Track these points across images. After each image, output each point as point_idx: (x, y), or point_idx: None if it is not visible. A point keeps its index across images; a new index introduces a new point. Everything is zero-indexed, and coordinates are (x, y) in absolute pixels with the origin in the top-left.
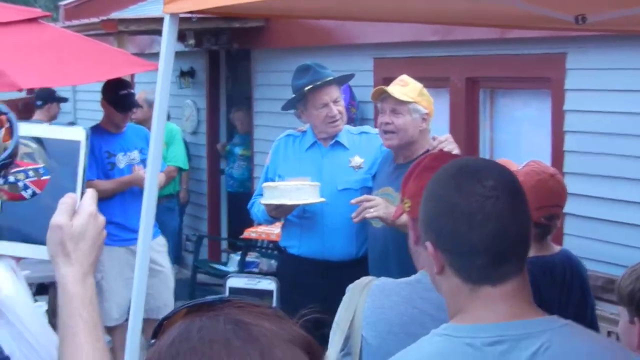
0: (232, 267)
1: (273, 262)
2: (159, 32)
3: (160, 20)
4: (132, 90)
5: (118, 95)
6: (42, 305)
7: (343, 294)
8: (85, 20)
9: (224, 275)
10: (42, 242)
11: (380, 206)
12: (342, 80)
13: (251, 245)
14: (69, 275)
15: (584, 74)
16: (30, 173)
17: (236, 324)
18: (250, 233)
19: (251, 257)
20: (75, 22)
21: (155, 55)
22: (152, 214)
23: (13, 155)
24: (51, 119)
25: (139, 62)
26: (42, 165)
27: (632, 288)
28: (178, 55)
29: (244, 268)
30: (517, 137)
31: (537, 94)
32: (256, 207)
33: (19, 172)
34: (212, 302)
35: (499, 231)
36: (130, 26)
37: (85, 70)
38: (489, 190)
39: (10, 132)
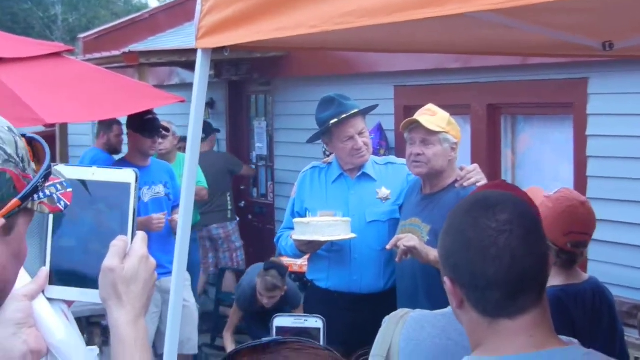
0: None
1: None
2: (178, 64)
3: (180, 52)
4: (157, 116)
5: (143, 121)
6: (95, 349)
7: (370, 326)
8: (106, 53)
9: None
10: (94, 286)
11: (415, 239)
12: (367, 112)
13: None
14: (121, 318)
15: (606, 99)
16: (59, 186)
17: None
18: None
19: None
20: (97, 55)
21: (175, 87)
22: (186, 248)
23: (49, 168)
24: (212, 148)
25: (163, 96)
26: (63, 179)
27: None
28: None
29: None
30: (540, 163)
31: (559, 120)
32: (284, 240)
33: (50, 185)
34: (268, 344)
35: (513, 265)
36: (151, 58)
37: (111, 104)
38: (502, 224)
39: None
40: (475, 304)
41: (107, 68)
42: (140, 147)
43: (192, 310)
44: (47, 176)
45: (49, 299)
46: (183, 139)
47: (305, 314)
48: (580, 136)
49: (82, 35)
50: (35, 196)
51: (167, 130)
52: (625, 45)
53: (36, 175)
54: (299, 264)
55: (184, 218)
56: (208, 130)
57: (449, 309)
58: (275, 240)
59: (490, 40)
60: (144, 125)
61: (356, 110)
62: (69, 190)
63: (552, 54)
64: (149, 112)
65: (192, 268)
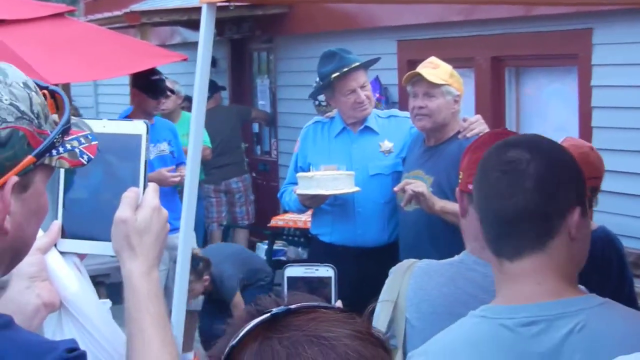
0: (260, 255)
1: (300, 249)
2: (180, 23)
3: (182, 11)
4: (163, 77)
5: (150, 81)
6: (107, 302)
7: (375, 279)
8: (108, 14)
9: None
10: (105, 239)
11: (423, 185)
12: (368, 65)
13: (278, 233)
14: (134, 269)
15: (611, 49)
16: (82, 140)
17: (319, 343)
18: (277, 221)
19: (278, 245)
20: (98, 15)
21: (176, 46)
22: (194, 204)
23: (69, 122)
24: (217, 105)
25: (166, 54)
26: (88, 132)
27: None
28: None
29: (272, 256)
30: (544, 115)
31: (564, 71)
32: (287, 195)
33: (72, 139)
34: (277, 315)
35: (502, 203)
36: (153, 18)
37: (114, 63)
38: (505, 163)
39: (56, 104)
40: (486, 241)
41: (108, 28)
42: (144, 106)
43: None
44: (65, 131)
45: (61, 252)
46: (187, 98)
47: (316, 263)
48: (585, 87)
49: None
50: (54, 151)
51: (172, 91)
52: None
53: (54, 129)
54: (303, 219)
55: (191, 176)
56: (213, 88)
57: (456, 258)
58: (278, 195)
59: None
60: (150, 85)
61: (358, 64)
62: (94, 143)
63: (560, 2)
64: (156, 72)
65: (197, 225)
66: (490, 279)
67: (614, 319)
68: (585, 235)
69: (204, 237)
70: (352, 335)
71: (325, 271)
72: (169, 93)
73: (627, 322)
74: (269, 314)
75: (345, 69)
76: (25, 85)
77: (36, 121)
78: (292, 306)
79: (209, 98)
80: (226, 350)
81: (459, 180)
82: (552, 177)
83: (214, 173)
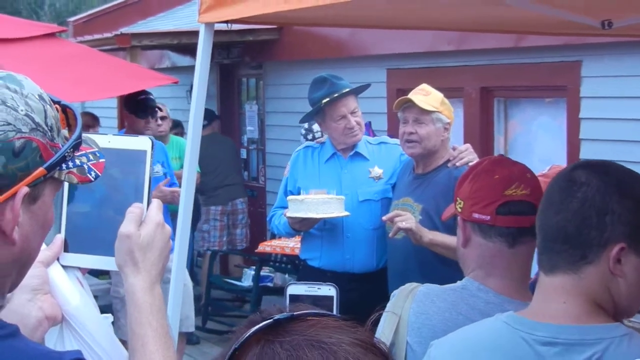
0: (247, 282)
1: (287, 276)
2: (171, 47)
3: (172, 35)
4: (151, 96)
5: (137, 101)
6: (109, 317)
7: (363, 305)
8: (98, 35)
9: (239, 291)
10: (108, 254)
11: (412, 220)
12: (359, 91)
13: (265, 259)
14: (137, 284)
15: (599, 82)
16: (90, 156)
17: (320, 347)
18: (264, 247)
19: (265, 271)
20: (88, 37)
21: (165, 70)
22: (187, 228)
23: (80, 138)
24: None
25: (156, 76)
26: (96, 149)
27: None
28: (189, 69)
29: (259, 283)
30: (532, 146)
31: (553, 103)
32: (277, 219)
33: (81, 155)
34: (280, 321)
35: (552, 219)
36: (143, 41)
37: (103, 85)
38: (569, 183)
39: (67, 119)
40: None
41: (98, 50)
42: (135, 127)
43: (189, 289)
44: (76, 146)
45: (64, 266)
46: (175, 123)
47: (318, 282)
48: (573, 119)
49: (72, 19)
50: (64, 165)
51: (159, 109)
52: (625, 24)
53: (65, 144)
54: (291, 246)
55: (185, 198)
56: (210, 116)
57: (458, 284)
58: (267, 219)
59: (487, 18)
60: (137, 105)
61: (348, 89)
62: (102, 160)
63: (551, 32)
64: (143, 92)
65: None
66: (492, 305)
67: (633, 353)
68: (635, 277)
69: (191, 262)
70: (354, 343)
71: (328, 290)
72: (159, 113)
73: None
74: (272, 320)
75: (336, 95)
76: (41, 97)
77: (49, 134)
78: (296, 313)
79: (206, 126)
80: (229, 352)
81: (459, 209)
82: (599, 204)
83: (219, 194)
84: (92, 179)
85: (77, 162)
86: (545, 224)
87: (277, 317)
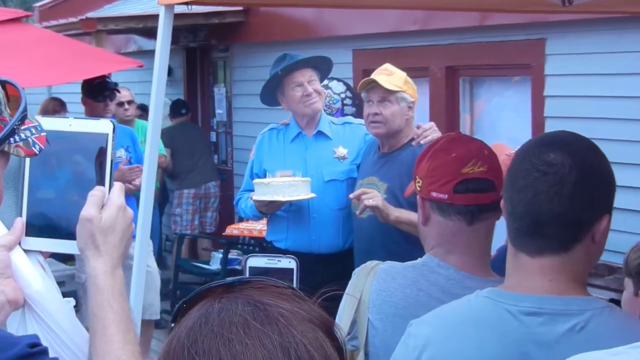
0: (215, 265)
1: None
2: (136, 31)
3: (138, 19)
4: (107, 78)
5: (93, 86)
6: (71, 300)
7: (330, 286)
8: (63, 20)
9: (207, 274)
10: (70, 237)
11: (379, 197)
12: (316, 62)
13: (232, 242)
14: (98, 267)
15: (563, 59)
16: (33, 130)
17: (255, 305)
18: (232, 230)
19: (233, 254)
20: (53, 22)
21: (132, 54)
22: (149, 214)
23: (25, 110)
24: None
25: (121, 60)
26: (37, 123)
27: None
28: (154, 53)
29: (227, 265)
30: (498, 124)
31: (519, 81)
32: (243, 202)
33: (25, 129)
34: (232, 284)
35: (533, 203)
36: (108, 25)
37: (68, 69)
38: (541, 164)
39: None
40: (507, 230)
41: (64, 35)
42: (94, 111)
43: (154, 275)
44: (23, 119)
45: (26, 251)
46: (141, 107)
47: (279, 254)
48: (538, 97)
49: (37, 4)
50: (12, 139)
51: (117, 90)
52: (585, 1)
53: (12, 118)
54: (258, 228)
55: (147, 184)
56: (187, 107)
57: (419, 261)
58: (234, 202)
59: None
60: (94, 90)
61: (303, 58)
62: (43, 134)
63: (513, 9)
64: (98, 77)
65: (152, 234)
66: (453, 281)
67: (614, 324)
68: (604, 239)
69: (159, 247)
70: (294, 310)
71: (288, 262)
72: (124, 97)
73: (626, 328)
74: (223, 282)
75: (291, 63)
76: None
77: None
78: (245, 278)
79: (184, 115)
80: (177, 306)
81: (418, 187)
82: (590, 185)
83: (192, 177)
84: (37, 153)
85: (22, 135)
86: (534, 209)
87: (227, 280)
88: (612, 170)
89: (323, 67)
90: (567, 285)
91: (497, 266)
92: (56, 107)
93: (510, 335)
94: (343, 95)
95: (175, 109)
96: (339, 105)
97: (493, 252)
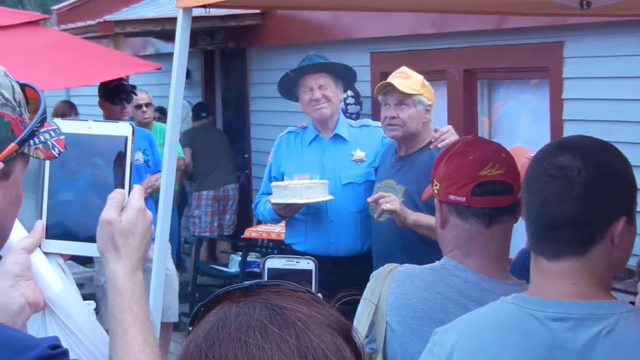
0: (234, 267)
1: None
2: (154, 34)
3: (156, 22)
4: (125, 81)
5: (109, 89)
6: (91, 303)
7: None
8: (81, 23)
9: (226, 277)
10: (90, 240)
11: (396, 201)
12: (332, 69)
13: (251, 245)
14: (118, 270)
15: (582, 62)
16: (52, 133)
17: (272, 309)
18: (250, 233)
19: (251, 257)
20: (71, 25)
21: (149, 57)
22: (168, 217)
23: (45, 113)
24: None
25: (139, 63)
26: (56, 126)
27: None
28: (172, 56)
29: (245, 268)
30: (516, 127)
31: (537, 84)
32: (262, 206)
33: (44, 132)
34: (250, 287)
35: (545, 207)
36: (126, 28)
37: (86, 72)
38: (553, 168)
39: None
40: (527, 235)
41: (81, 38)
42: (112, 115)
43: (172, 278)
44: (42, 121)
45: (46, 253)
46: (159, 109)
47: (297, 256)
48: (556, 100)
49: (55, 7)
50: (31, 141)
51: (134, 93)
52: (603, 4)
53: (32, 120)
54: (277, 231)
55: (166, 187)
56: (208, 111)
57: (437, 264)
58: (253, 206)
59: None
60: (111, 93)
61: (317, 63)
62: (62, 137)
63: (531, 13)
64: (115, 79)
65: (171, 237)
66: (471, 284)
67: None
68: (628, 243)
69: (177, 249)
70: (312, 315)
71: (306, 264)
72: (143, 100)
73: None
74: (241, 285)
75: (303, 65)
76: (6, 74)
77: (18, 109)
78: (263, 281)
79: (205, 117)
80: (195, 309)
81: (436, 190)
82: (600, 187)
83: (211, 179)
84: (56, 155)
85: (42, 138)
86: (545, 212)
87: (246, 284)
88: (633, 173)
89: (346, 76)
90: (591, 289)
91: (518, 269)
92: (65, 110)
93: (537, 341)
94: (345, 95)
95: (196, 112)
96: (342, 105)
97: (513, 254)
